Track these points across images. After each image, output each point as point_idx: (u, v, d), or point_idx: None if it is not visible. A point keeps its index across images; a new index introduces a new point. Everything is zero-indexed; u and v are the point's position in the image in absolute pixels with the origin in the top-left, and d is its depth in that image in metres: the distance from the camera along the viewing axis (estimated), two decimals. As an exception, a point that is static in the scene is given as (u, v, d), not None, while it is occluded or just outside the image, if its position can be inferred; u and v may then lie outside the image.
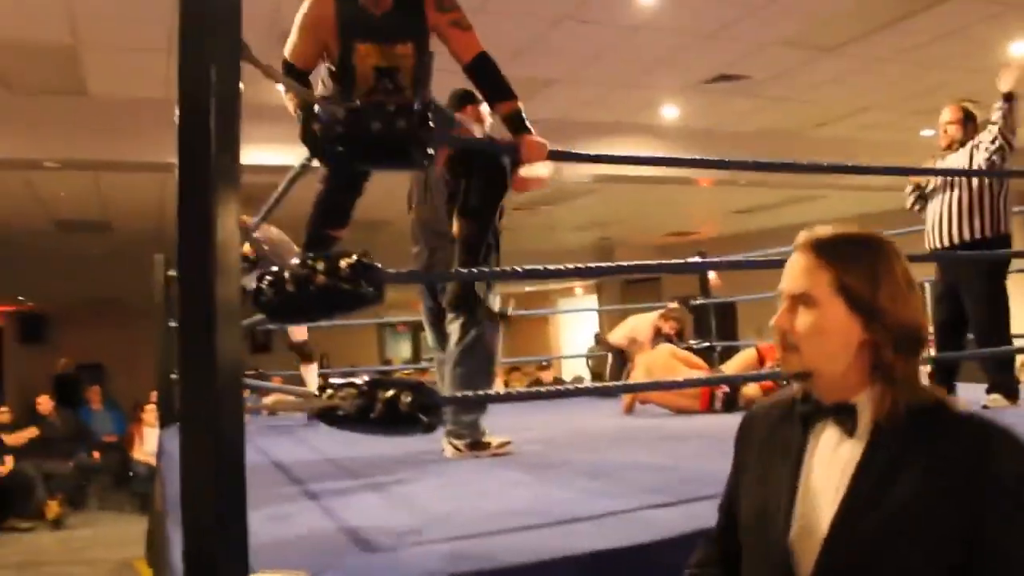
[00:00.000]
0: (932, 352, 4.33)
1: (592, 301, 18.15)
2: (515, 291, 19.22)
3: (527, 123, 2.62)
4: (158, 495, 4.78)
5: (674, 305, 7.32)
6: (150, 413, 8.94)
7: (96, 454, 9.57)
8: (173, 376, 6.17)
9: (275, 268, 2.24)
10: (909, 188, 4.66)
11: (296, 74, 2.61)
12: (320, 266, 2.18)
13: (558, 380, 10.48)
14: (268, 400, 5.99)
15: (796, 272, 1.28)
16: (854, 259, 1.25)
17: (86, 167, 8.04)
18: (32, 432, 9.02)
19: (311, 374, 6.18)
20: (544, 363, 10.80)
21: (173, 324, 5.84)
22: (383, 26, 2.56)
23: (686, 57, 7.05)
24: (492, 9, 5.50)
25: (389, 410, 2.24)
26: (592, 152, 7.87)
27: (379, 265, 2.18)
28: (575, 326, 18.05)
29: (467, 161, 2.85)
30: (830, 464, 1.24)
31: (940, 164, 4.49)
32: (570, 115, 8.15)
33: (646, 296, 15.22)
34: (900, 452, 1.17)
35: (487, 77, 2.65)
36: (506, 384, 11.34)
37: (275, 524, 2.36)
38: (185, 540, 1.61)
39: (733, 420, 1.52)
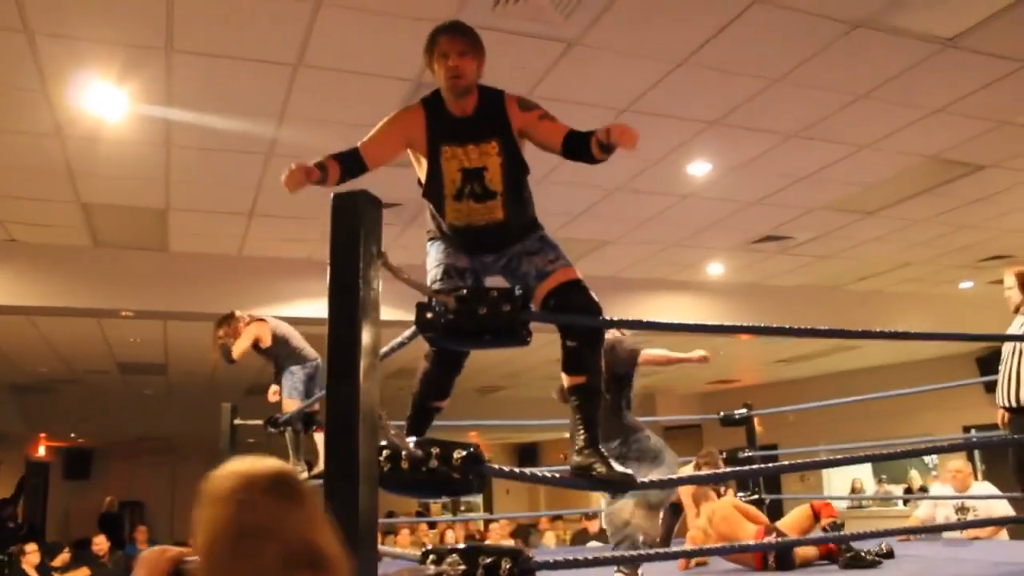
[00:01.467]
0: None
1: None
2: (554, 437, 19.22)
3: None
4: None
5: (705, 450, 7.33)
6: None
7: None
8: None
9: (394, 445, 2.48)
10: None
11: (358, 163, 2.69)
12: (435, 452, 2.42)
13: (604, 531, 10.39)
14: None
15: None
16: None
17: (158, 316, 8.44)
18: (85, 573, 9.11)
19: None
20: (591, 513, 10.74)
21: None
22: (467, 128, 2.67)
23: (733, 221, 7.42)
24: (554, 179, 5.90)
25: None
26: (639, 308, 8.11)
27: (487, 461, 2.41)
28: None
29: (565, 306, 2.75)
30: None
31: (1009, 330, 4.63)
32: (621, 272, 8.52)
33: (688, 445, 15.15)
34: None
35: (576, 141, 2.69)
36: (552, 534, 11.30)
37: None
38: None
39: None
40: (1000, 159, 6.34)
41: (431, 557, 2.48)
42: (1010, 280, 4.65)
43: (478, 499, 18.23)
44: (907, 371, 12.04)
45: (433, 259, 2.84)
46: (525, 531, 11.68)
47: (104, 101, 4.89)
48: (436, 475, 2.43)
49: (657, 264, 8.65)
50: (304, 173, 2.54)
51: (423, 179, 2.76)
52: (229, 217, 6.88)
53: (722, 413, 7.28)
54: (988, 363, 11.70)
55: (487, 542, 10.15)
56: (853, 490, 13.56)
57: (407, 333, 3.09)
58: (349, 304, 2.24)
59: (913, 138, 5.80)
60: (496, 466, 2.65)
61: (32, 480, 16.48)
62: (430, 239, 2.90)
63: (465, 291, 2.64)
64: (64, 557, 9.35)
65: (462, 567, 2.43)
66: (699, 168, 6.16)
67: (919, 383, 7.99)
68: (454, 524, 11.23)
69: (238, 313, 5.87)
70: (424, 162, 2.73)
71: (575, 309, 2.74)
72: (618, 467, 2.71)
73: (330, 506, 2.06)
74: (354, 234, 2.26)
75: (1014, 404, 4.34)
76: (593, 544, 9.61)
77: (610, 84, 4.87)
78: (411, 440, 2.49)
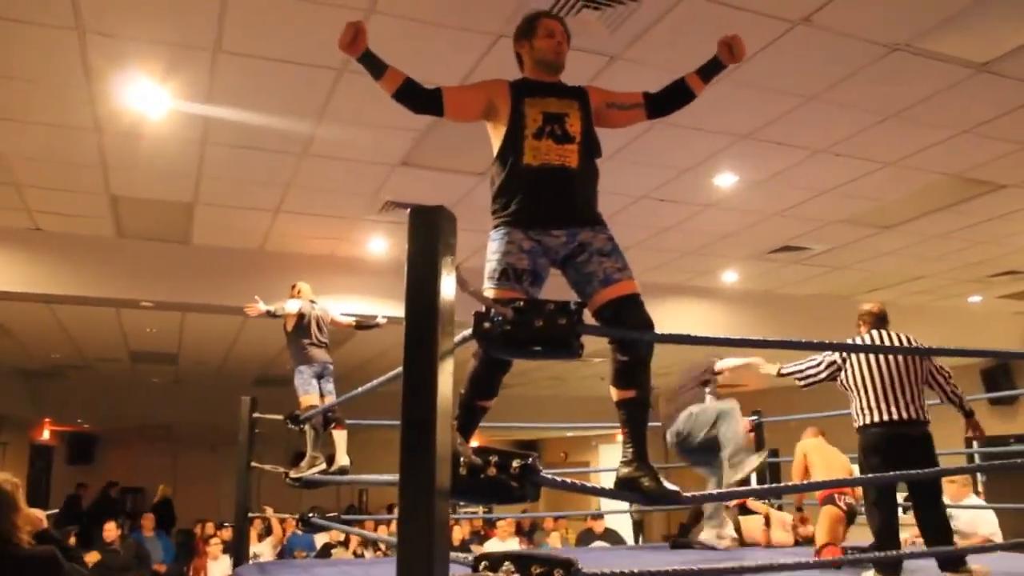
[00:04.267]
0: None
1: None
2: (556, 435, 19.34)
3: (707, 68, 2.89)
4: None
5: None
6: (215, 547, 9.06)
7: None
8: (251, 515, 6.40)
9: (453, 451, 2.55)
10: None
11: (434, 99, 2.83)
12: (494, 459, 2.49)
13: (609, 530, 10.50)
14: None
15: None
16: None
17: (178, 308, 8.51)
18: (95, 557, 9.14)
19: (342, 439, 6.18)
20: (595, 515, 10.83)
21: (255, 464, 6.08)
22: (550, 88, 2.87)
23: (753, 232, 7.52)
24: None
25: (542, 585, 2.51)
26: (652, 313, 8.20)
27: (541, 470, 2.48)
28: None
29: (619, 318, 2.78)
30: None
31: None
32: (638, 278, 8.52)
33: (690, 447, 15.25)
34: None
35: (664, 91, 2.92)
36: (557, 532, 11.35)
37: None
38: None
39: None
40: (1021, 179, 6.43)
41: (484, 564, 2.55)
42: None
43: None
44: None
45: (494, 251, 2.80)
46: (531, 530, 11.76)
47: (146, 98, 4.95)
48: (494, 483, 2.50)
49: (673, 270, 8.74)
50: (356, 34, 2.71)
51: (502, 132, 2.81)
52: (255, 213, 6.95)
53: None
54: (993, 376, 11.81)
55: (493, 539, 10.24)
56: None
57: (458, 338, 3.15)
58: (425, 317, 2.30)
59: (938, 157, 5.89)
60: (550, 476, 2.71)
61: (36, 464, 16.54)
62: (496, 225, 2.84)
63: (522, 303, 2.69)
64: (71, 541, 9.37)
65: (516, 575, 2.51)
66: (725, 179, 6.24)
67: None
68: (459, 521, 11.28)
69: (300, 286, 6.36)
70: (504, 116, 2.81)
71: (630, 324, 2.80)
72: (666, 483, 2.76)
73: (405, 512, 2.16)
74: (432, 248, 2.32)
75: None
76: (599, 544, 9.68)
77: (647, 97, 4.94)
78: (471, 447, 2.56)
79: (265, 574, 5.52)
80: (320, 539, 10.09)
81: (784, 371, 4.65)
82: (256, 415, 6.24)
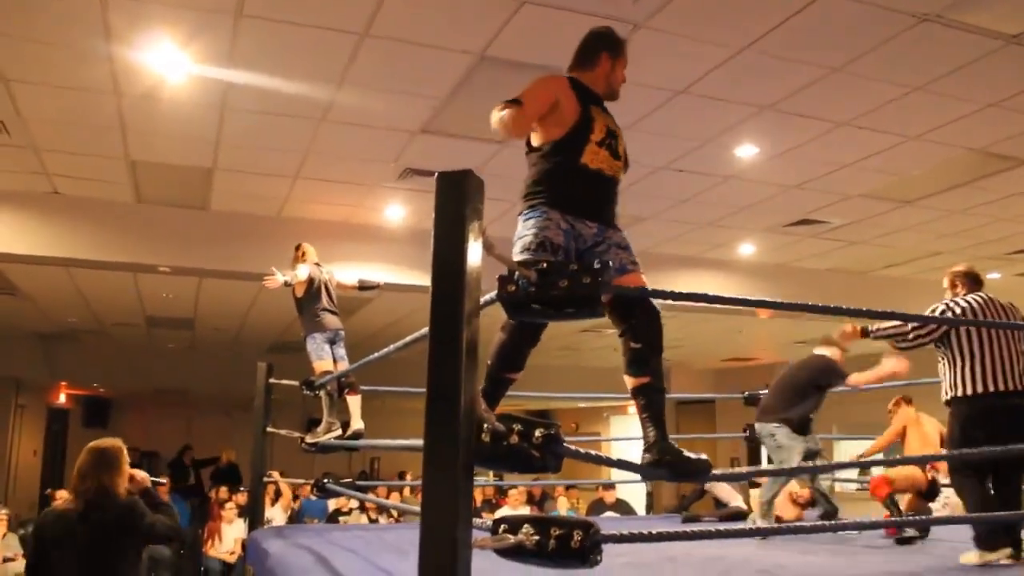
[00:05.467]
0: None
1: (644, 420, 18.18)
2: (567, 405, 19.39)
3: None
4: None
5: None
6: (229, 511, 9.16)
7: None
8: (266, 479, 6.46)
9: (478, 417, 2.55)
10: None
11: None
12: (517, 428, 2.49)
13: (620, 501, 10.56)
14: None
15: None
16: None
17: (195, 274, 8.55)
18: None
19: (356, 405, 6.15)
20: (607, 485, 10.86)
21: (270, 429, 6.13)
22: (605, 107, 3.05)
23: (771, 204, 7.47)
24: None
25: (561, 546, 2.52)
26: (669, 284, 8.20)
27: (564, 441, 2.48)
28: (628, 446, 18.06)
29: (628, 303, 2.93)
30: None
31: None
32: (654, 248, 8.55)
33: (700, 420, 15.31)
34: None
35: None
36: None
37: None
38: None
39: None
40: (1046, 155, 6.37)
41: (503, 527, 2.56)
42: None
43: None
44: (925, 357, 12.01)
45: (531, 226, 2.88)
46: (542, 499, 11.83)
47: (167, 61, 4.94)
48: (516, 451, 2.50)
49: (689, 242, 8.69)
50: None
51: (564, 128, 2.92)
52: (274, 179, 6.95)
53: (746, 393, 7.36)
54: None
55: (504, 507, 10.32)
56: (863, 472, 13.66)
57: (484, 299, 3.13)
58: (452, 281, 2.30)
59: (962, 131, 5.82)
60: (573, 447, 2.72)
61: (53, 426, 16.71)
62: (532, 205, 2.91)
63: (545, 264, 2.69)
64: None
65: (536, 537, 2.52)
66: (746, 151, 6.20)
67: (937, 370, 7.94)
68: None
69: (304, 247, 6.22)
70: (569, 115, 2.93)
71: (638, 313, 2.91)
72: (690, 454, 2.79)
73: (430, 477, 2.19)
74: (460, 212, 2.31)
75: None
76: (609, 515, 9.73)
77: (670, 67, 4.91)
78: (495, 415, 2.57)
79: (281, 538, 5.57)
80: (330, 505, 10.20)
81: (876, 334, 4.23)
82: (272, 381, 6.31)
